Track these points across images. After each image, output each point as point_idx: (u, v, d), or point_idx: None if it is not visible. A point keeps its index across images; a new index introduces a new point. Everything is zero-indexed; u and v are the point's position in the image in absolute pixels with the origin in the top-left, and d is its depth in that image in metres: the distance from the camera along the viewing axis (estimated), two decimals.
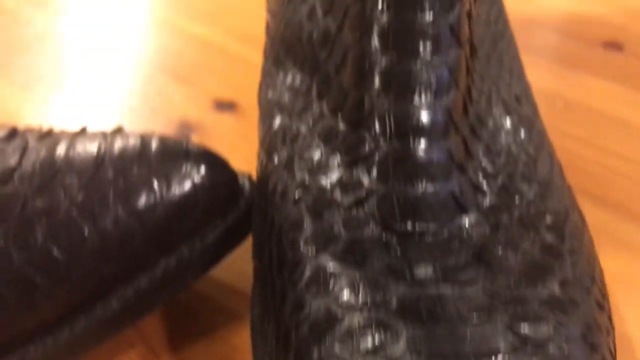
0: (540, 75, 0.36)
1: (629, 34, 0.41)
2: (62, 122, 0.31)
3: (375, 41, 0.18)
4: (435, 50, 0.18)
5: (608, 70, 0.37)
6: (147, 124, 0.31)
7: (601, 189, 0.28)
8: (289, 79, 0.21)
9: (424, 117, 0.18)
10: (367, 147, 0.18)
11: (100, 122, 0.31)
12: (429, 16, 0.18)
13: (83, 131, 0.22)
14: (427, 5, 0.18)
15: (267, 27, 0.24)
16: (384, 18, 0.18)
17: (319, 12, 0.20)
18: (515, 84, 0.23)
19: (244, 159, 0.29)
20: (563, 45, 0.40)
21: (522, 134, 0.21)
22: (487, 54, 0.22)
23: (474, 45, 0.20)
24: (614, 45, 0.40)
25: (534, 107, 0.24)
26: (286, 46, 0.22)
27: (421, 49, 0.18)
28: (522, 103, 0.23)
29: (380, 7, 0.18)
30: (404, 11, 0.18)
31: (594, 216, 0.27)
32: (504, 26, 0.25)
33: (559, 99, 0.34)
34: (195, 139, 0.31)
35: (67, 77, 0.35)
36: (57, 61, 0.37)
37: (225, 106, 0.33)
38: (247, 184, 0.22)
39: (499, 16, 0.25)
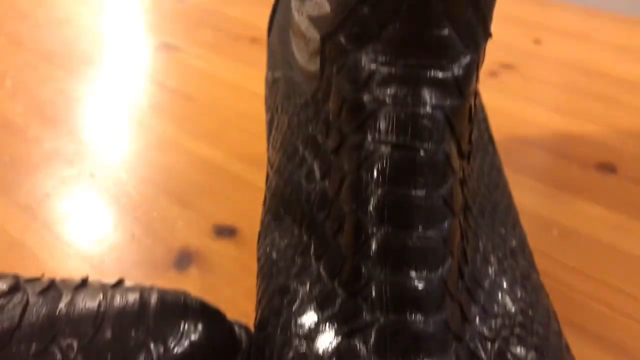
0: (535, 199, 0.37)
1: (621, 155, 0.42)
2: (65, 253, 0.31)
3: (371, 213, 0.19)
4: (430, 223, 0.19)
5: (602, 194, 0.38)
6: (149, 254, 0.32)
7: (600, 327, 0.28)
8: (287, 236, 0.22)
9: (420, 289, 0.18)
10: (364, 318, 0.18)
11: (104, 253, 0.32)
12: (422, 191, 0.18)
13: (84, 283, 0.22)
14: (420, 181, 0.18)
15: (267, 178, 0.25)
16: (379, 191, 0.19)
17: (317, 174, 0.21)
18: (510, 236, 0.24)
19: (244, 291, 0.29)
20: (556, 166, 0.41)
21: (519, 291, 0.21)
22: (481, 207, 0.23)
23: (468, 205, 0.21)
24: (607, 167, 0.40)
25: (529, 256, 0.24)
26: (285, 203, 0.22)
27: (416, 222, 0.18)
28: (517, 257, 0.23)
29: (375, 180, 0.19)
30: (398, 186, 0.19)
31: (593, 357, 0.27)
32: (498, 175, 0.25)
33: (554, 226, 0.35)
34: (195, 271, 0.31)
35: (72, 200, 0.36)
36: (62, 183, 0.37)
37: (225, 232, 0.34)
38: (244, 337, 0.22)
39: (493, 166, 0.25)
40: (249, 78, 0.50)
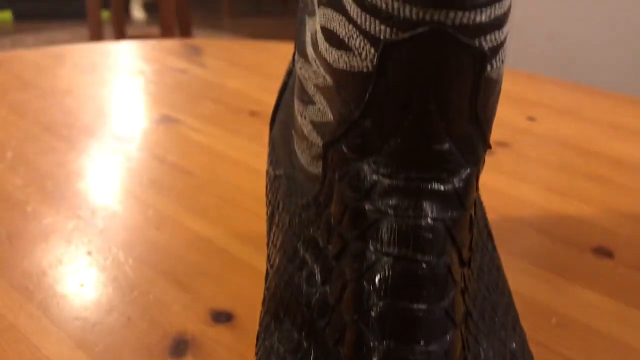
0: (532, 285, 0.37)
1: (618, 239, 0.42)
2: (59, 337, 0.31)
3: (373, 325, 0.19)
4: (432, 337, 0.18)
5: (599, 281, 0.38)
6: (144, 339, 0.31)
7: None
8: (287, 342, 0.22)
9: None
10: None
11: (100, 338, 0.31)
12: (424, 305, 0.19)
13: None
14: (423, 294, 0.19)
15: (266, 276, 0.25)
16: (381, 304, 0.19)
17: (318, 278, 0.21)
18: (510, 338, 0.24)
19: None
20: (553, 250, 0.41)
21: None
22: (481, 309, 0.23)
23: (469, 310, 0.21)
24: (604, 252, 0.41)
25: (529, 357, 0.24)
26: (285, 306, 0.22)
27: (418, 337, 0.18)
28: (517, 358, 0.23)
29: (377, 291, 0.19)
30: (400, 299, 0.19)
31: None
32: (498, 273, 0.26)
33: (552, 314, 0.35)
34: (191, 359, 0.31)
35: (68, 281, 0.36)
36: (59, 262, 0.37)
37: (222, 317, 0.33)
38: None
39: (492, 263, 0.25)
40: (248, 153, 0.50)
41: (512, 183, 0.49)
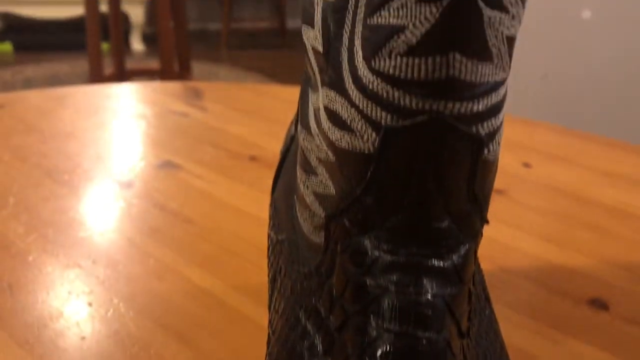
0: (527, 338, 0.37)
1: (613, 291, 0.42)
2: None
3: None
4: None
5: (595, 334, 0.38)
6: None
7: None
8: None
9: None
10: None
11: None
12: None
13: None
14: None
15: (268, 341, 0.25)
16: None
17: (320, 348, 0.22)
18: None
19: None
20: (549, 302, 0.41)
21: None
22: None
23: None
24: (599, 304, 0.41)
25: None
26: None
27: None
28: None
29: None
30: None
31: None
32: (495, 337, 0.26)
33: None
34: None
35: (69, 333, 0.36)
36: (60, 314, 0.37)
37: None
38: None
39: (490, 328, 0.26)
40: (249, 200, 0.51)
41: (507, 231, 0.49)
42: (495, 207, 0.53)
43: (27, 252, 0.43)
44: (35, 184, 0.52)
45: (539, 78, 1.38)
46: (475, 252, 0.21)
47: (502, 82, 0.19)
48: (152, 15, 2.80)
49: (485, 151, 0.19)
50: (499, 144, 0.20)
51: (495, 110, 0.19)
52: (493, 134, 0.19)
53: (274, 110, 0.70)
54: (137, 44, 3.13)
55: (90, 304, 0.38)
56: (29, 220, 0.47)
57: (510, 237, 0.48)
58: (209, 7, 3.43)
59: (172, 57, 1.99)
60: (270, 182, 0.52)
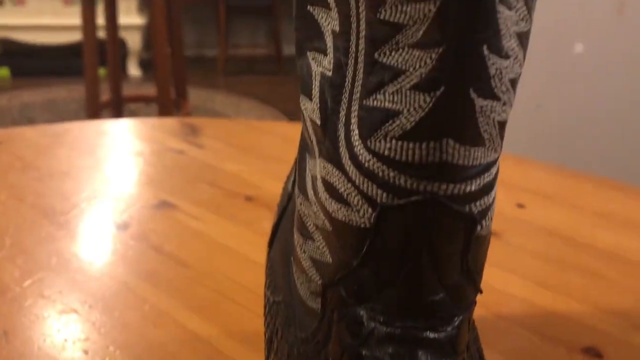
0: None
1: (607, 339, 0.43)
2: None
3: None
4: None
5: None
6: None
7: None
8: None
9: None
10: None
11: None
12: None
13: None
14: None
15: None
16: None
17: None
18: None
19: None
20: (543, 350, 0.41)
21: None
22: None
23: None
24: (593, 353, 0.41)
25: None
26: None
27: None
28: None
29: None
30: None
31: None
32: None
33: None
34: None
35: None
36: (58, 355, 0.37)
37: None
38: None
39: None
40: (245, 242, 0.51)
41: (501, 275, 0.50)
42: (490, 251, 0.53)
43: (23, 297, 0.43)
44: (32, 224, 0.52)
45: (532, 109, 1.39)
46: (469, 321, 0.22)
47: (494, 162, 0.20)
48: (149, 41, 2.82)
49: (478, 227, 0.20)
50: (491, 219, 0.21)
51: (487, 189, 0.20)
52: (485, 211, 0.20)
53: (271, 148, 0.71)
54: (134, 70, 3.14)
55: (86, 352, 0.38)
56: (25, 264, 0.47)
57: (504, 282, 0.49)
58: (206, 34, 3.46)
59: (169, 83, 2.00)
60: (265, 223, 0.52)
